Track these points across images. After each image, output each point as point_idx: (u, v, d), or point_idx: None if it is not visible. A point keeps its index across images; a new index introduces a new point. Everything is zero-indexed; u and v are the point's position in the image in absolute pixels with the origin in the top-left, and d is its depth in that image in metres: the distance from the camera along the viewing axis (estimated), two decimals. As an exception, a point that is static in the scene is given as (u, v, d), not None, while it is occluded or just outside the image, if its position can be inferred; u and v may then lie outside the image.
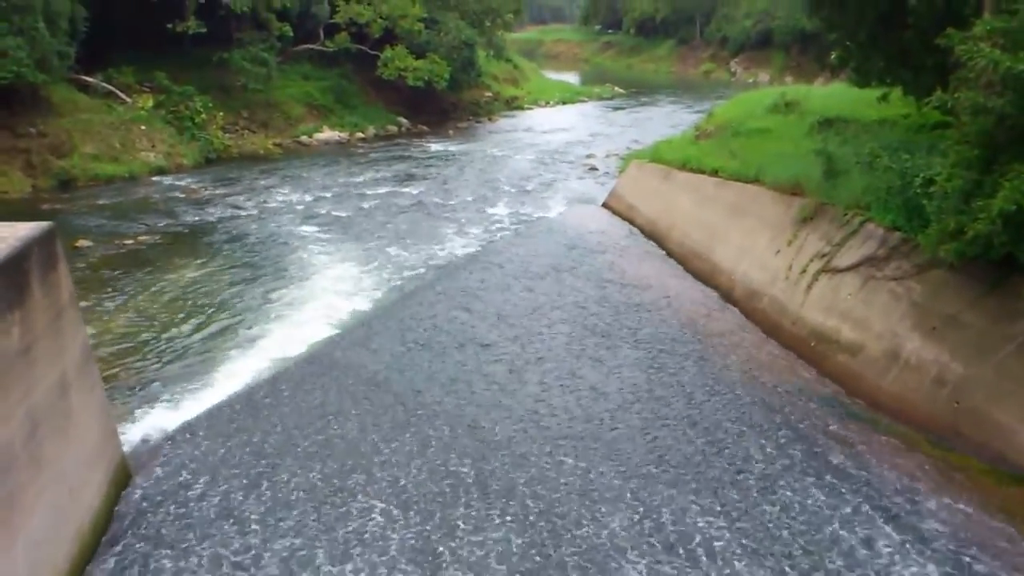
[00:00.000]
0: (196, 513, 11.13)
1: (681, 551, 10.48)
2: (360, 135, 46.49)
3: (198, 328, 17.92)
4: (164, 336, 17.40)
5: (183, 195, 31.00)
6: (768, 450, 13.02)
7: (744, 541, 10.68)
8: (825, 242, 17.54)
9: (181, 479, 11.96)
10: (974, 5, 16.16)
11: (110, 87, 36.83)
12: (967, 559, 10.35)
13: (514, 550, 10.44)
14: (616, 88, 76.48)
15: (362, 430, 13.47)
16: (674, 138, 32.61)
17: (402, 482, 11.94)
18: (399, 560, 10.20)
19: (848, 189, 17.62)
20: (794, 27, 79.53)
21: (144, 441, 13.05)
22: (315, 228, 26.75)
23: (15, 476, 8.61)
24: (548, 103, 65.58)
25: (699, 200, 23.96)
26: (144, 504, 11.31)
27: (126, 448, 12.43)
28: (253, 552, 10.36)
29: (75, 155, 31.88)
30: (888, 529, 10.95)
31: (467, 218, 28.45)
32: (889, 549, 10.54)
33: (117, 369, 15.59)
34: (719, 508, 11.42)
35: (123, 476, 11.76)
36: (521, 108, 62.14)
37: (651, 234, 25.68)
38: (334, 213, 28.87)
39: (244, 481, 11.93)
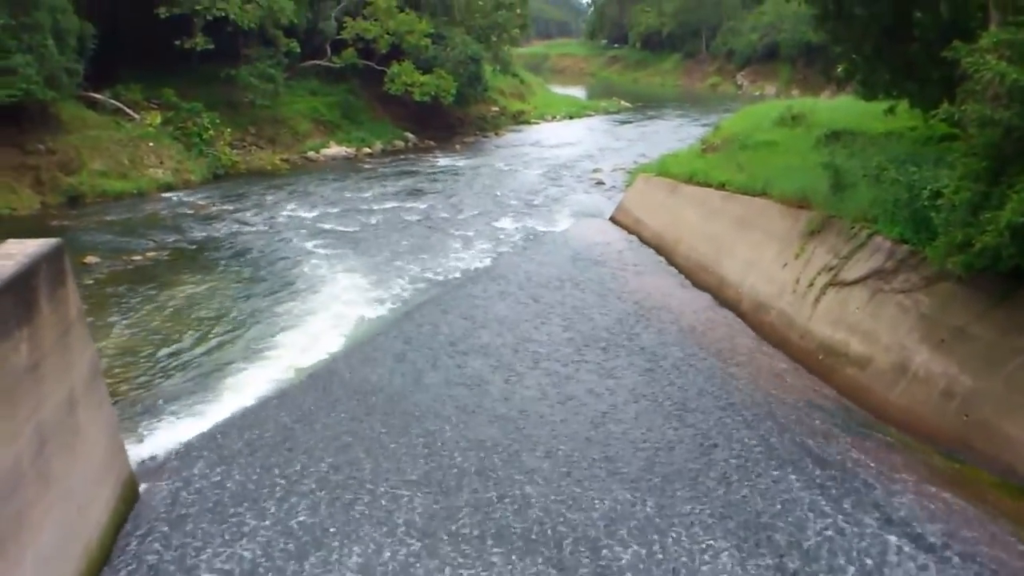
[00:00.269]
0: (204, 529, 11.12)
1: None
2: (367, 150, 46.58)
3: (206, 343, 17.94)
4: (172, 352, 17.42)
5: (191, 211, 31.08)
6: (775, 464, 12.96)
7: (747, 548, 10.64)
8: (832, 255, 17.51)
9: (189, 495, 11.95)
10: (980, 17, 16.18)
11: (118, 104, 36.98)
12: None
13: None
14: (622, 102, 76.63)
15: (368, 447, 13.43)
16: (681, 152, 32.64)
17: (412, 505, 11.91)
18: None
19: (855, 202, 17.60)
20: (800, 40, 79.81)
21: (152, 457, 13.04)
22: (322, 243, 26.78)
23: (23, 493, 8.61)
24: (555, 117, 65.70)
25: (706, 213, 23.95)
26: (152, 520, 11.30)
27: (134, 464, 12.42)
28: (261, 570, 10.34)
29: (83, 172, 31.99)
30: (898, 542, 10.89)
31: (474, 233, 28.46)
32: (899, 562, 10.48)
33: (125, 385, 15.61)
34: (721, 518, 11.38)
35: (131, 492, 11.75)
36: (528, 122, 62.26)
37: (658, 247, 25.67)
38: (341, 228, 28.90)
39: (252, 497, 11.91)
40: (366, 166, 42.81)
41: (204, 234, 27.76)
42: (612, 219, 29.97)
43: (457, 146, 50.27)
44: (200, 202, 32.53)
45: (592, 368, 16.71)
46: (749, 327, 19.05)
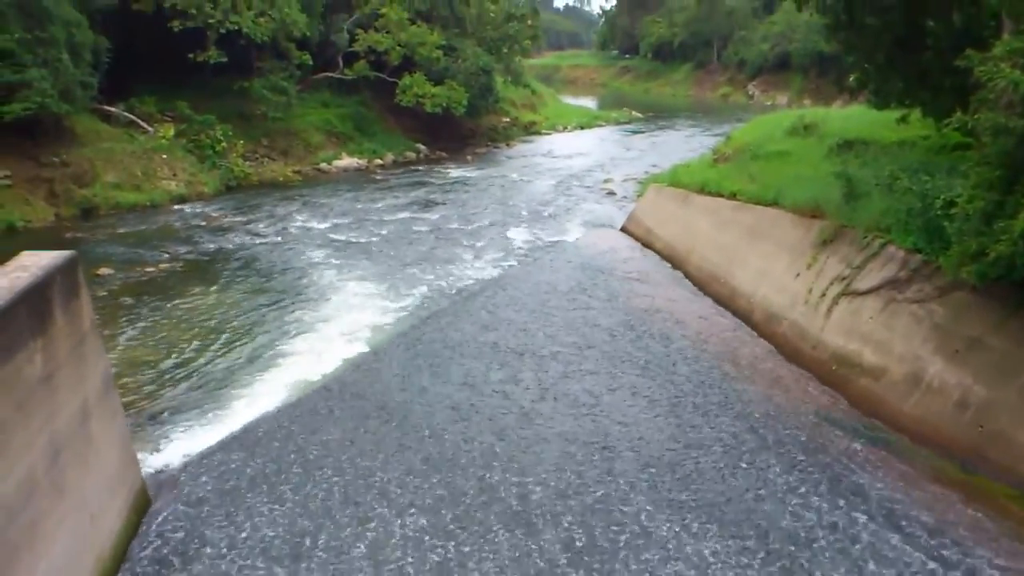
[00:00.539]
0: (215, 540, 11.13)
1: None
2: (379, 162, 46.72)
3: (217, 354, 17.98)
4: (184, 363, 17.46)
5: (204, 223, 31.21)
6: (789, 474, 12.90)
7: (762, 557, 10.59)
8: (845, 265, 17.44)
9: (200, 506, 11.97)
10: (993, 26, 16.14)
11: (132, 116, 37.23)
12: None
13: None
14: (634, 112, 76.76)
15: (382, 462, 13.40)
16: (692, 162, 32.63)
17: (425, 522, 11.88)
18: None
19: (868, 211, 17.53)
20: (812, 50, 79.90)
21: (164, 468, 13.08)
22: (334, 254, 26.84)
23: (37, 503, 8.64)
24: (566, 128, 65.82)
25: (718, 223, 23.91)
26: (164, 530, 11.32)
27: (145, 474, 12.46)
28: (273, 579, 10.36)
29: (97, 184, 32.18)
30: (914, 553, 10.81)
31: (486, 243, 28.49)
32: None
33: (137, 396, 15.65)
34: (736, 532, 11.32)
35: (143, 502, 11.78)
36: (539, 133, 62.37)
37: (669, 258, 25.64)
38: (353, 239, 28.97)
39: (263, 508, 11.92)
40: (378, 177, 42.92)
41: (216, 245, 27.85)
42: (623, 229, 29.95)
43: (469, 157, 50.37)
44: (212, 214, 32.66)
45: (602, 377, 16.68)
46: (761, 338, 18.98)
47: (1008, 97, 12.28)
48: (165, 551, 10.86)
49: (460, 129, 53.37)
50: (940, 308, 14.67)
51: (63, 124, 32.30)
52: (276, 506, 11.96)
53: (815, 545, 11.09)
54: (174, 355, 17.86)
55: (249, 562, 10.69)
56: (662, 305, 21.30)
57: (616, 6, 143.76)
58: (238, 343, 18.68)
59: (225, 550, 10.92)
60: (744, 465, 13.22)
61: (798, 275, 18.94)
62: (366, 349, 18.48)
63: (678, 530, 11.43)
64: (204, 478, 12.75)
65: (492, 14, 58.39)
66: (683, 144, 52.74)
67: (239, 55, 41.41)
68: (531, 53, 77.06)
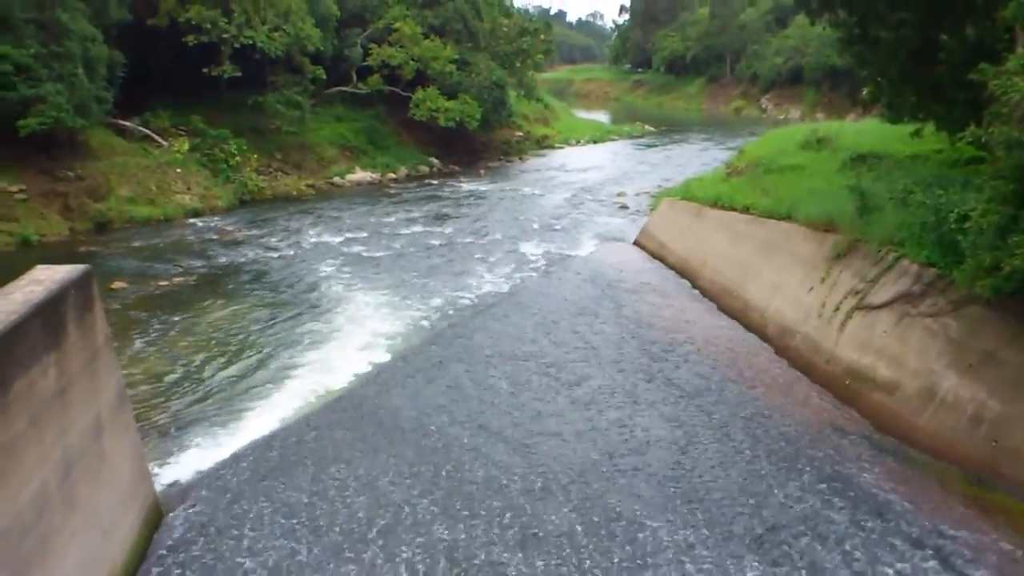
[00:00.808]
0: (227, 555, 11.11)
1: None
2: (392, 175, 46.90)
3: (231, 369, 18.02)
4: (197, 377, 17.52)
5: (217, 237, 31.36)
6: (802, 490, 12.82)
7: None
8: (859, 279, 17.37)
9: (212, 521, 11.95)
10: (1007, 40, 16.09)
11: (146, 131, 37.53)
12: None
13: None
14: (646, 126, 76.85)
15: (394, 478, 13.31)
16: (705, 175, 32.62)
17: (439, 537, 11.86)
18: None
19: (882, 225, 17.46)
20: (825, 64, 79.88)
21: (176, 482, 13.09)
22: (347, 268, 26.90)
23: (49, 518, 8.66)
24: (579, 142, 65.95)
25: (731, 237, 23.86)
26: (176, 545, 11.31)
27: (158, 489, 12.48)
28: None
29: (112, 198, 32.42)
30: (931, 570, 10.73)
31: (498, 257, 28.52)
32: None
33: (150, 410, 15.70)
34: (750, 546, 11.26)
35: (155, 517, 11.79)
36: (552, 147, 62.52)
37: (682, 271, 25.59)
38: (366, 253, 29.04)
39: (276, 524, 11.90)
40: (391, 191, 43.07)
41: (230, 259, 27.97)
42: (636, 243, 29.93)
43: (482, 171, 50.51)
44: (226, 227, 32.82)
45: (620, 396, 16.63)
46: (774, 352, 18.90)
47: (1022, 111, 12.22)
48: (177, 567, 10.85)
49: (473, 143, 53.56)
50: (954, 322, 14.58)
51: (78, 138, 32.58)
52: (291, 520, 11.94)
53: (826, 552, 11.04)
54: (187, 368, 17.92)
55: (260, 574, 10.70)
56: (673, 317, 21.22)
57: (629, 20, 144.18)
58: (251, 356, 18.73)
59: (238, 564, 10.91)
60: (754, 475, 13.15)
61: (811, 289, 18.87)
62: (380, 362, 18.49)
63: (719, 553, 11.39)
64: (217, 492, 12.75)
65: (505, 28, 58.65)
66: (696, 158, 52.75)
67: (253, 69, 41.73)
68: (544, 67, 77.24)
